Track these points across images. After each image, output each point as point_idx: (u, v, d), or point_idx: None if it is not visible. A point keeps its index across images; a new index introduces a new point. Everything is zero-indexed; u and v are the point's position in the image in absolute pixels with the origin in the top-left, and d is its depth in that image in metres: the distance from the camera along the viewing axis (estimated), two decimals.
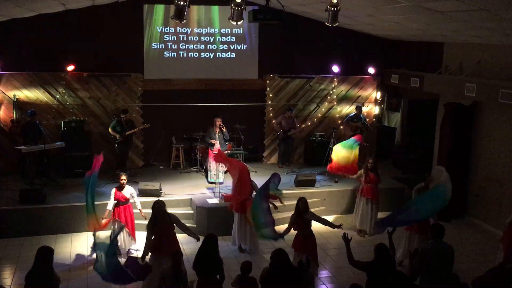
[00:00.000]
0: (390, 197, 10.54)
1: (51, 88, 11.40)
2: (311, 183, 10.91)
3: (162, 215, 7.06)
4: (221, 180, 10.67)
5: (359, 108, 12.37)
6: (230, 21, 7.66)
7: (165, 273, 5.95)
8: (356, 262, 5.98)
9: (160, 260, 6.76)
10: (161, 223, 7.01)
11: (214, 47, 12.35)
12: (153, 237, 7.05)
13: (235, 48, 12.47)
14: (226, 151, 10.86)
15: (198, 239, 7.01)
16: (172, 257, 6.01)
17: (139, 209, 8.51)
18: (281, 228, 9.71)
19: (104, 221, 8.09)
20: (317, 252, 7.50)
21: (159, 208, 7.07)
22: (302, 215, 7.39)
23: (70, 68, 11.37)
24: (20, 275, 7.40)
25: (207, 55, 12.34)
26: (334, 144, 11.81)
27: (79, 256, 8.60)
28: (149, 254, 7.07)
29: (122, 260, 7.91)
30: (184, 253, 7.83)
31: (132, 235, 8.55)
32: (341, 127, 12.89)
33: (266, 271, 5.79)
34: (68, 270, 8.03)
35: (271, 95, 12.74)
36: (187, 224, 9.37)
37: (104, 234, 8.04)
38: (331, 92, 13.02)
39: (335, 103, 13.10)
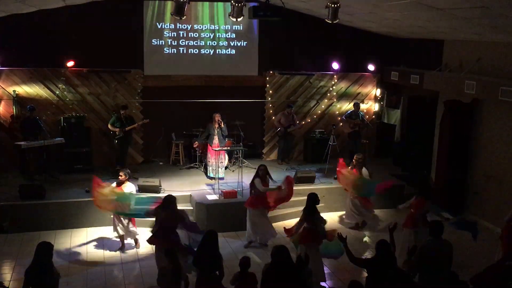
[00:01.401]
0: (390, 194, 10.52)
1: (51, 83, 11.39)
2: (310, 180, 10.92)
3: (172, 210, 7.20)
4: (220, 176, 10.68)
5: (356, 105, 12.36)
6: (230, 17, 7.68)
7: (164, 270, 5.97)
8: (356, 259, 6.01)
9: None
10: (168, 217, 7.12)
11: (214, 43, 12.34)
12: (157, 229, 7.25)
13: (235, 44, 12.47)
14: (225, 148, 10.87)
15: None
16: (167, 254, 6.02)
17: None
18: (287, 223, 9.74)
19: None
20: None
21: (170, 202, 7.21)
22: (315, 212, 7.42)
23: (70, 64, 11.37)
24: (20, 270, 7.41)
25: (207, 51, 12.32)
26: (334, 141, 11.82)
27: (78, 252, 8.61)
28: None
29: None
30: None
31: (133, 223, 8.64)
32: (341, 124, 12.90)
33: (267, 267, 5.81)
34: (67, 265, 8.05)
35: (271, 91, 12.74)
36: None
37: None
38: (331, 89, 13.01)
39: (335, 100, 13.10)
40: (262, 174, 8.82)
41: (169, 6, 11.66)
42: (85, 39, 11.46)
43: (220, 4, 12.13)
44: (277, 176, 11.27)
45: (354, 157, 9.76)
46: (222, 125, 10.76)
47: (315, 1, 9.94)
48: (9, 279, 7.58)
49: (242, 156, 11.00)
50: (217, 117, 10.76)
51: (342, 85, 13.07)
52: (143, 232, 8.91)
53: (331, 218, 10.42)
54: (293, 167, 11.94)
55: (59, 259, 8.03)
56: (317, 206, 7.64)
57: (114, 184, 8.52)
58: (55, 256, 5.75)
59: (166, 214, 7.17)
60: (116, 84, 11.81)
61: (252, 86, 12.63)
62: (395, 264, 5.82)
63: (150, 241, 7.33)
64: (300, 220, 7.53)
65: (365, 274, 6.06)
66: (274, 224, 9.93)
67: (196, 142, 11.45)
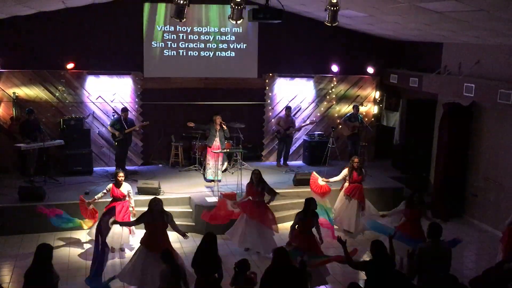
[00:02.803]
0: (389, 197, 10.54)
1: (51, 86, 11.39)
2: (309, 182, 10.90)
3: (159, 213, 7.12)
4: (219, 178, 10.65)
5: (356, 108, 12.37)
6: (230, 20, 7.68)
7: (164, 273, 5.94)
8: (354, 263, 6.03)
9: (151, 257, 6.82)
10: (156, 221, 7.05)
11: (214, 46, 12.33)
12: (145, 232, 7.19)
13: (235, 47, 12.46)
14: (224, 150, 10.86)
15: (185, 237, 7.31)
16: (163, 258, 5.99)
17: (132, 207, 8.58)
18: (286, 226, 9.73)
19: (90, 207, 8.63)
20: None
21: (156, 206, 7.11)
22: (310, 216, 7.39)
23: (70, 66, 11.36)
24: (19, 272, 7.40)
25: (206, 53, 12.32)
26: (333, 144, 11.79)
27: (78, 254, 8.59)
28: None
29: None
30: (182, 251, 7.84)
31: (130, 231, 8.59)
32: (340, 127, 12.91)
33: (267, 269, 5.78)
34: (67, 267, 8.04)
35: (270, 94, 12.76)
36: (186, 223, 9.54)
37: None
38: (330, 91, 13.02)
39: (334, 102, 13.10)
40: (255, 180, 8.65)
41: (169, 9, 11.68)
42: (85, 41, 11.47)
43: (220, 6, 12.13)
44: (276, 178, 11.34)
45: (354, 161, 9.57)
46: (225, 127, 10.71)
47: (314, 4, 9.96)
48: (8, 281, 7.57)
49: (241, 159, 11.00)
50: (219, 119, 10.70)
51: (342, 88, 13.07)
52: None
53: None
54: (292, 170, 11.93)
55: (58, 260, 7.94)
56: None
57: (110, 185, 8.51)
58: (54, 258, 5.72)
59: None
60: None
61: (252, 89, 12.63)
62: (394, 267, 5.82)
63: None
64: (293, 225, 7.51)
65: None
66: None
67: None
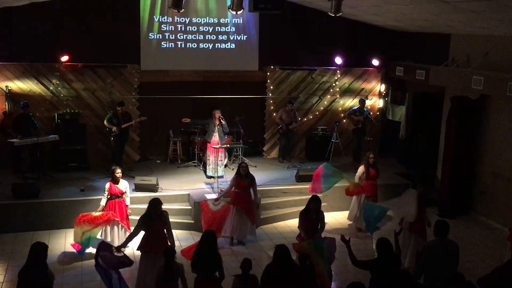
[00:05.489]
0: (394, 193, 10.31)
1: (45, 79, 11.20)
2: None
3: (158, 214, 6.94)
4: (220, 174, 10.50)
5: (362, 101, 12.24)
6: (230, 10, 7.71)
7: (160, 272, 5.89)
8: (359, 262, 5.96)
9: (152, 259, 6.71)
10: (155, 221, 6.89)
11: (213, 37, 12.16)
12: (142, 233, 7.00)
13: (235, 38, 12.29)
14: (224, 145, 10.68)
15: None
16: (165, 255, 5.91)
17: (127, 205, 8.42)
18: (288, 224, 9.57)
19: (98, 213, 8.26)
20: None
21: (155, 206, 6.93)
22: (313, 214, 7.32)
23: (64, 58, 11.16)
24: (13, 271, 7.34)
25: (205, 45, 12.13)
26: (337, 139, 11.64)
27: (73, 252, 8.43)
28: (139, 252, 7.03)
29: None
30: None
31: (128, 228, 8.40)
32: (344, 120, 12.76)
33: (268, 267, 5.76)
34: (62, 266, 7.96)
35: (271, 87, 12.55)
36: (185, 220, 9.49)
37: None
38: (333, 84, 12.83)
39: (338, 96, 12.93)
40: (243, 172, 8.63)
41: None
42: (80, 32, 11.29)
43: None
44: (278, 174, 11.18)
45: (369, 157, 9.45)
46: (223, 122, 10.53)
47: None
48: (2, 281, 7.48)
49: (242, 154, 10.82)
50: (218, 113, 10.54)
51: (345, 81, 12.89)
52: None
53: (334, 217, 10.28)
54: (295, 166, 11.77)
55: (54, 260, 7.94)
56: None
57: (108, 185, 8.31)
58: (49, 257, 5.66)
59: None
60: (112, 79, 11.62)
61: (253, 82, 12.46)
62: (399, 265, 5.79)
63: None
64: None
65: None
66: (274, 224, 9.94)
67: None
